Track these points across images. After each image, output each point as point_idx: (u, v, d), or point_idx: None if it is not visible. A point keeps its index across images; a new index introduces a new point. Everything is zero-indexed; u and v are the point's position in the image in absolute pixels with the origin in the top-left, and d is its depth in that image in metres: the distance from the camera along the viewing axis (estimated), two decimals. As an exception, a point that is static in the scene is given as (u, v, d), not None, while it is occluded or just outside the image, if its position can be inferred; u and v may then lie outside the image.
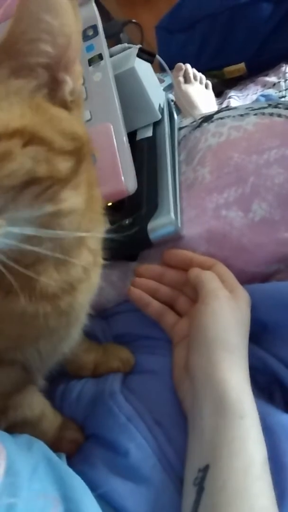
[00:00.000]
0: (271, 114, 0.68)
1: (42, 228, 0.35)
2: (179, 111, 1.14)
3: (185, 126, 0.76)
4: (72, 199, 0.36)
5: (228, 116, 0.71)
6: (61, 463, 0.44)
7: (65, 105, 0.36)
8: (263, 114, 0.69)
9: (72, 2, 0.32)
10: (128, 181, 0.59)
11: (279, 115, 0.67)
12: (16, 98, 0.33)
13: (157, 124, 0.73)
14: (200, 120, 0.75)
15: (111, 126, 0.61)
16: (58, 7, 0.32)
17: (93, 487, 0.43)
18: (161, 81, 1.30)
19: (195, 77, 1.28)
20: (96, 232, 0.45)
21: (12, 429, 0.48)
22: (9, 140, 0.31)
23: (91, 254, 0.45)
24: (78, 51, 0.34)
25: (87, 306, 0.50)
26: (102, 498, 0.44)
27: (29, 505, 0.35)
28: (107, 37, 0.70)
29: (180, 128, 0.77)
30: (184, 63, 1.27)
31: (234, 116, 0.71)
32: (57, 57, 0.34)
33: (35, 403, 0.52)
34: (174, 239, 0.61)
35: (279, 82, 1.28)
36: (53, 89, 0.35)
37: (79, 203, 0.38)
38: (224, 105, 1.27)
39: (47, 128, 0.33)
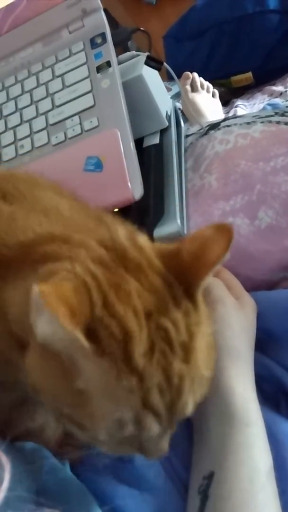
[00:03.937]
0: (278, 122, 0.68)
1: None
2: (186, 119, 1.14)
3: (192, 134, 0.77)
4: None
5: (235, 124, 0.72)
6: (65, 470, 0.44)
7: None
8: (270, 122, 0.69)
9: None
10: (134, 188, 0.59)
11: (286, 123, 0.67)
12: None
13: (164, 132, 0.73)
14: (207, 128, 0.75)
15: (118, 133, 0.62)
16: None
17: (97, 494, 0.43)
18: (169, 89, 1.30)
19: (202, 86, 1.28)
20: None
21: (16, 438, 0.47)
22: None
23: None
24: None
25: None
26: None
27: None
28: (115, 44, 0.70)
29: (187, 136, 0.77)
30: (191, 72, 1.27)
31: (241, 124, 0.71)
32: None
33: (37, 414, 0.52)
34: (180, 246, 0.60)
35: (286, 91, 1.28)
36: None
37: None
38: (231, 113, 1.27)
39: None
